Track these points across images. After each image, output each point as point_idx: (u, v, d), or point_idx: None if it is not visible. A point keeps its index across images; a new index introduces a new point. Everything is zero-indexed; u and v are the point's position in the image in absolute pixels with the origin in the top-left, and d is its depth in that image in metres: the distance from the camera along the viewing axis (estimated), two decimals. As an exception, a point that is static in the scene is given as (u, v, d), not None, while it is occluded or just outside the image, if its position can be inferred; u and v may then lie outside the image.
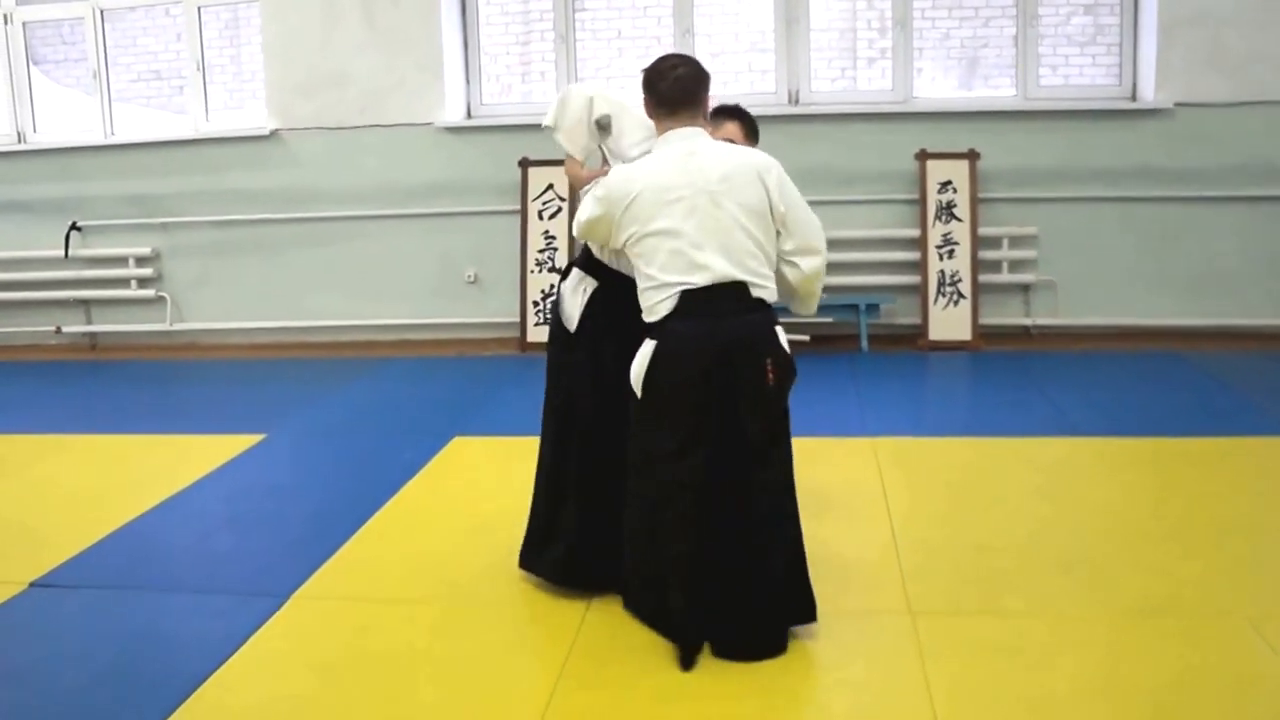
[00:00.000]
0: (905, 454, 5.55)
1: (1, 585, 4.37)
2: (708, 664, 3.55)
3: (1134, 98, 7.92)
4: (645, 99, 3.87)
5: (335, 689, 3.53)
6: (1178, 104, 7.70)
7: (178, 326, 9.00)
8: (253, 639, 3.85)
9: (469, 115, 8.55)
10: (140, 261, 8.92)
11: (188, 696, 3.47)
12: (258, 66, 8.86)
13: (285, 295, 8.81)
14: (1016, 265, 8.03)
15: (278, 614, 4.03)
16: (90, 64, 8.98)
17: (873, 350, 7.85)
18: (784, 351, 3.72)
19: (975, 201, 7.89)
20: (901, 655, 3.56)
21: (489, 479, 5.48)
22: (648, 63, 3.94)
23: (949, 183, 7.90)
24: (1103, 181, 7.88)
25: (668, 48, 8.19)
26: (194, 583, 4.40)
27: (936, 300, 7.92)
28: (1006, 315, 8.13)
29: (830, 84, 8.30)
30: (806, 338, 7.83)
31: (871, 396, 6.64)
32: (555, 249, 8.25)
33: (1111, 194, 7.88)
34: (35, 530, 5.02)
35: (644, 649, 3.65)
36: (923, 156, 7.93)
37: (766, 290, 3.72)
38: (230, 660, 3.70)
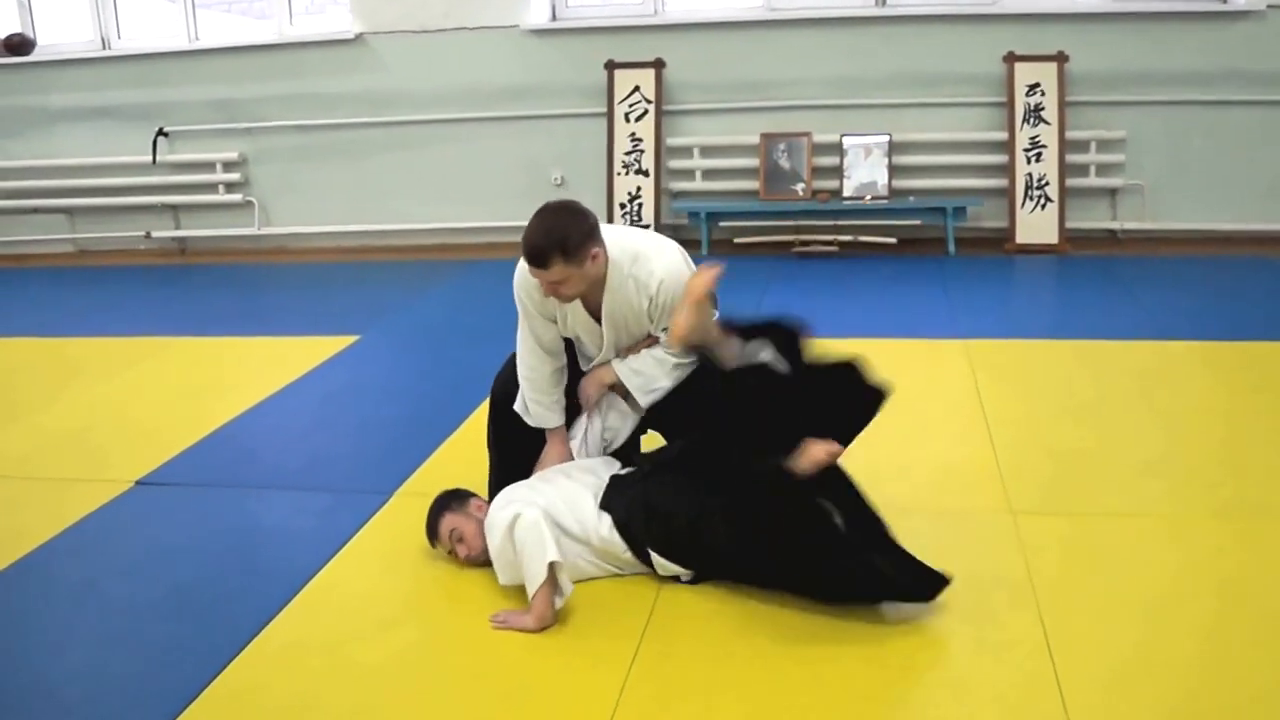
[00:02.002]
0: (997, 356, 5.53)
1: (108, 484, 4.50)
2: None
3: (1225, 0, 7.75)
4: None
5: (441, 582, 3.60)
6: (1270, 6, 7.50)
7: (265, 231, 9.10)
8: (359, 534, 3.94)
9: (554, 17, 8.49)
10: (227, 166, 9.01)
11: (301, 588, 3.58)
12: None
13: (370, 199, 8.88)
14: (1104, 169, 7.91)
15: (382, 510, 4.13)
16: (175, -32, 9.00)
17: (959, 253, 7.78)
18: None
19: (1063, 104, 7.76)
20: (1005, 553, 3.57)
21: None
22: None
23: (1037, 85, 7.77)
24: (1192, 84, 7.72)
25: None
26: (296, 481, 4.51)
27: (1023, 204, 7.83)
28: (1093, 219, 8.03)
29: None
30: (894, 240, 7.79)
31: (961, 299, 6.60)
32: (641, 151, 8.23)
33: (1200, 97, 7.72)
34: (137, 430, 5.14)
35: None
36: (1011, 59, 7.80)
37: None
38: (339, 554, 3.80)
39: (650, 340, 3.74)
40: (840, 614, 3.24)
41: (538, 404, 3.79)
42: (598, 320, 3.69)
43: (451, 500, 3.69)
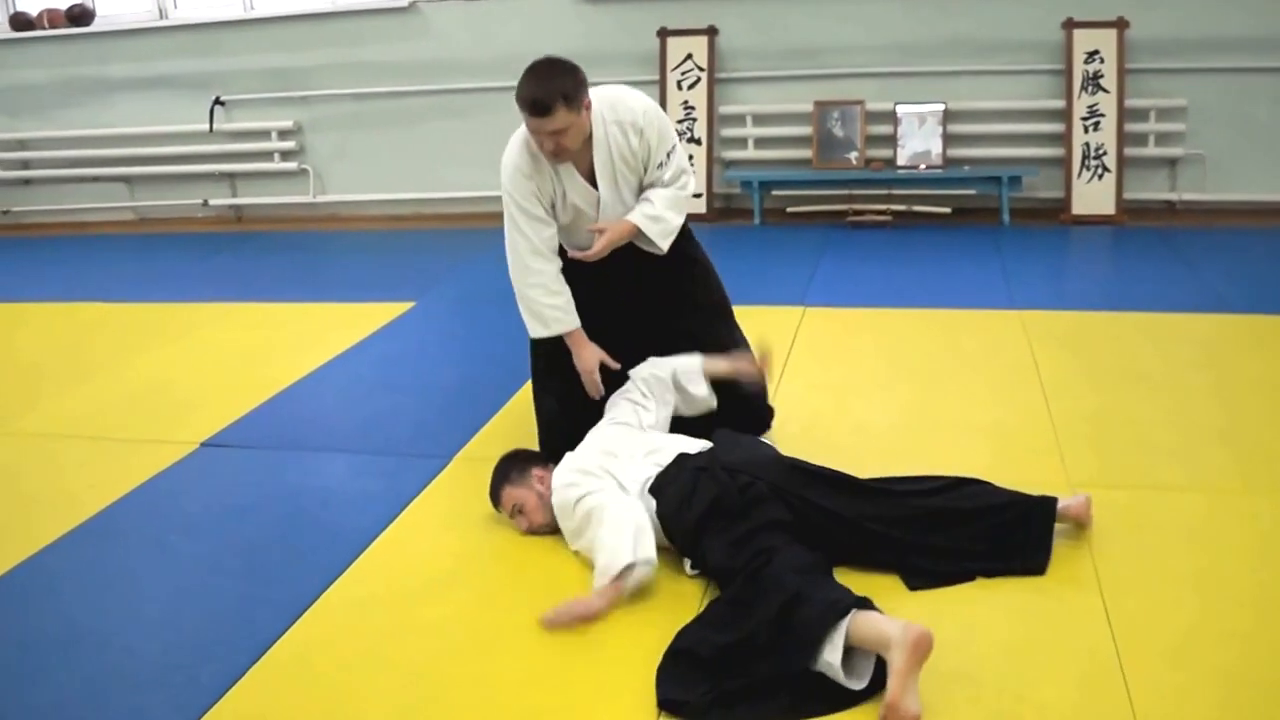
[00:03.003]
0: (1054, 327, 5.50)
1: (174, 445, 4.59)
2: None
3: (1292, -38, 7.64)
4: None
5: (501, 544, 3.65)
6: (1338, -31, 7.40)
7: (320, 199, 9.17)
8: (420, 497, 4.00)
9: (606, -14, 8.50)
10: (282, 135, 9.08)
11: (365, 548, 3.64)
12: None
13: (423, 167, 8.93)
14: (1163, 138, 7.82)
15: (442, 474, 4.18)
16: (231, -62, 9.05)
17: (1014, 224, 7.73)
18: None
19: (1122, 72, 7.67)
20: (1062, 526, 3.56)
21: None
22: None
23: (1096, 52, 7.69)
24: (1255, 51, 7.59)
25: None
26: (358, 444, 4.58)
27: (1080, 174, 7.77)
28: (1150, 190, 7.94)
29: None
30: (948, 210, 7.76)
31: (1016, 270, 6.56)
32: (694, 119, 8.22)
33: (1264, 64, 7.59)
34: (200, 393, 5.23)
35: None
36: (1069, 25, 7.72)
37: None
38: (400, 516, 3.85)
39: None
40: (894, 584, 3.27)
41: (554, 308, 3.83)
42: (593, 184, 3.78)
43: (512, 470, 3.71)
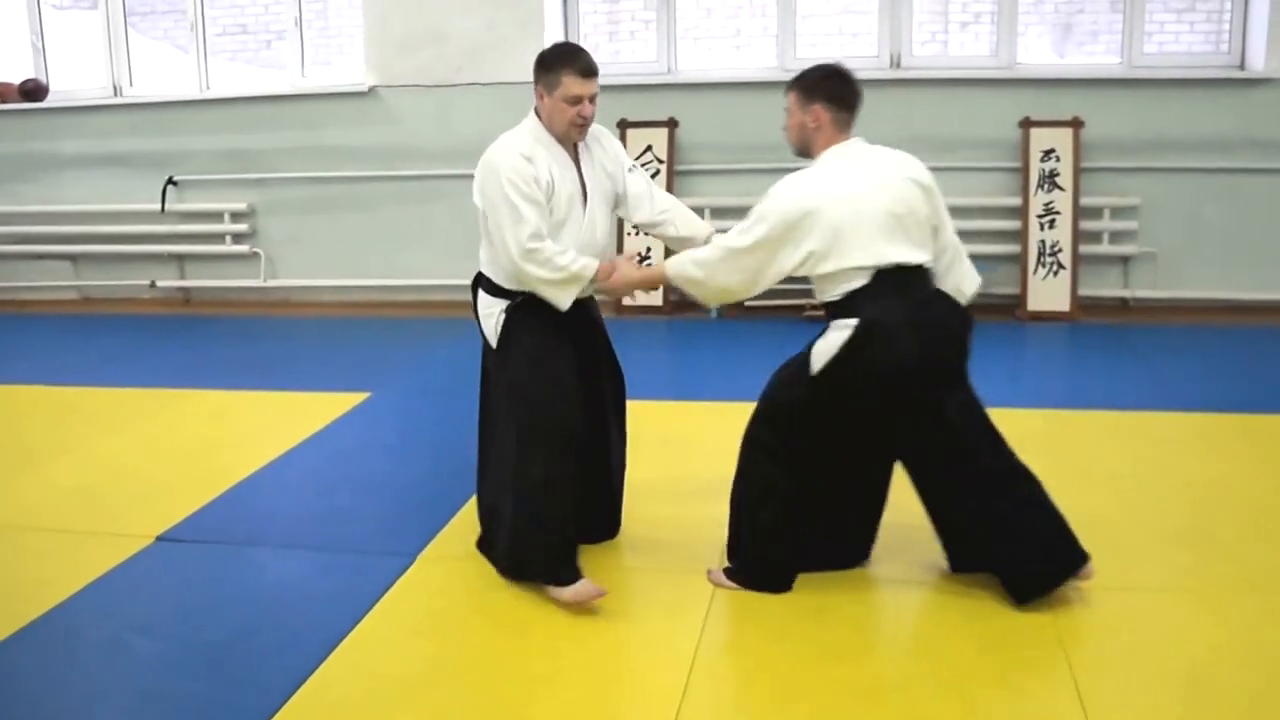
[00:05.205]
0: (1017, 425, 5.41)
1: (128, 538, 4.44)
2: (851, 637, 3.56)
3: (1243, 66, 7.78)
4: (817, 106, 3.75)
5: (475, 647, 3.57)
6: (1289, 74, 7.56)
7: (271, 283, 9.07)
8: (386, 597, 3.89)
9: (567, 75, 8.50)
10: (235, 217, 8.99)
11: (332, 649, 3.53)
12: (344, 22, 8.90)
13: (379, 253, 8.85)
14: (1117, 236, 7.92)
15: (406, 573, 4.07)
16: (188, 17, 9.00)
17: (971, 319, 7.76)
18: None
19: (1078, 170, 7.78)
20: (1036, 625, 3.55)
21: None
22: (814, 67, 3.85)
23: (1052, 151, 7.80)
24: (1207, 151, 7.75)
25: (765, 6, 8.19)
26: (318, 541, 4.46)
27: (1036, 270, 7.84)
28: (1104, 287, 8.03)
29: (932, 48, 8.20)
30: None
31: (975, 367, 6.52)
32: (652, 211, 8.21)
33: (1217, 165, 7.75)
34: (155, 484, 5.09)
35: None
36: (1027, 124, 7.83)
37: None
38: (367, 617, 3.75)
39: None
40: (878, 675, 3.22)
41: (566, 256, 3.79)
42: (578, 168, 3.90)
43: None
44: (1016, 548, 3.68)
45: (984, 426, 3.83)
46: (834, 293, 3.67)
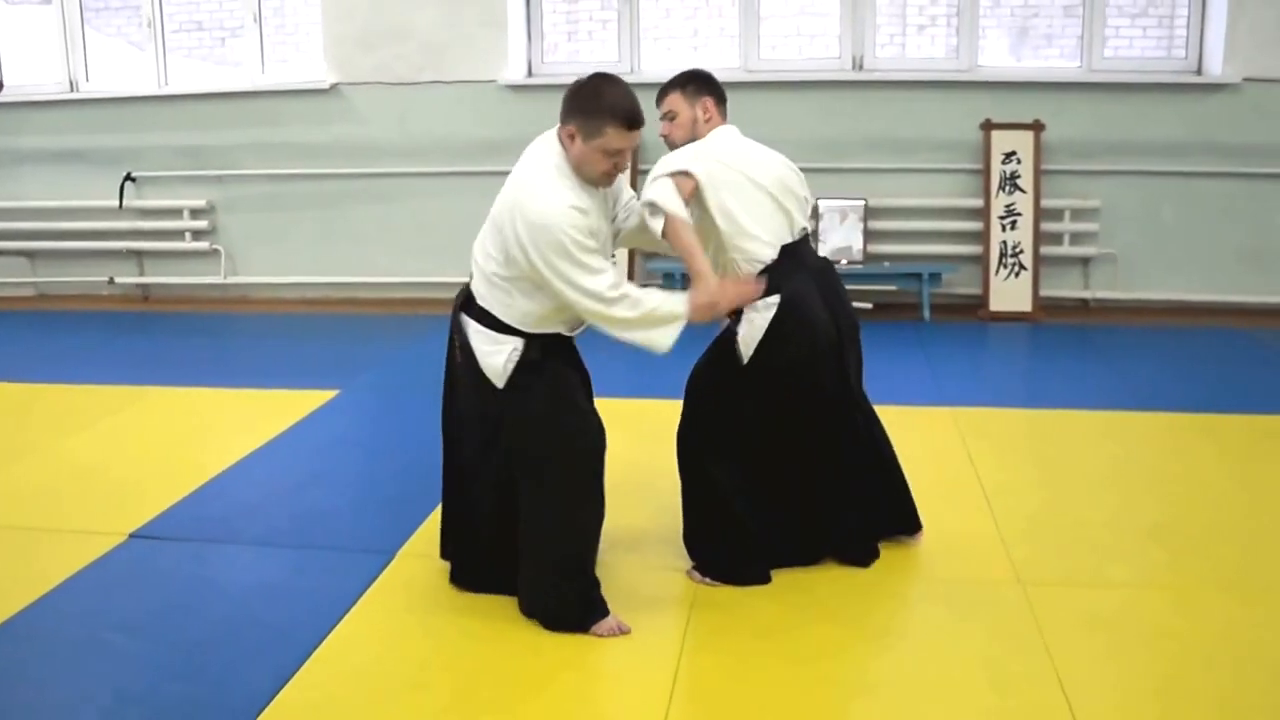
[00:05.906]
0: (985, 424, 5.56)
1: (101, 536, 4.39)
2: (834, 633, 3.58)
3: (1200, 71, 7.88)
4: (706, 99, 3.99)
5: (460, 644, 3.56)
6: (1246, 79, 7.65)
7: (231, 280, 9.00)
8: (367, 594, 3.88)
9: (530, 74, 8.51)
10: (194, 214, 8.92)
11: (315, 647, 3.51)
12: (301, 19, 8.84)
13: (340, 250, 8.80)
14: (1078, 238, 8.02)
15: (386, 570, 4.05)
16: (145, 13, 8.92)
17: (935, 319, 7.84)
18: None
19: (1039, 173, 7.86)
20: (1021, 626, 3.58)
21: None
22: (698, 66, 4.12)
23: (1013, 153, 7.87)
24: (1167, 155, 7.85)
25: (724, 7, 8.21)
26: (294, 538, 4.42)
27: (998, 271, 7.91)
28: (1065, 288, 8.12)
29: (894, 51, 8.25)
30: (869, 305, 7.84)
31: (943, 366, 6.63)
32: (617, 211, 8.22)
33: (1175, 168, 7.85)
34: (124, 481, 5.03)
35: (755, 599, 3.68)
36: (988, 127, 7.90)
37: None
38: (349, 615, 3.73)
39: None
40: (864, 660, 3.23)
41: (655, 298, 3.53)
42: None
43: (690, 84, 4.04)
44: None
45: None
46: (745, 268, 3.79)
